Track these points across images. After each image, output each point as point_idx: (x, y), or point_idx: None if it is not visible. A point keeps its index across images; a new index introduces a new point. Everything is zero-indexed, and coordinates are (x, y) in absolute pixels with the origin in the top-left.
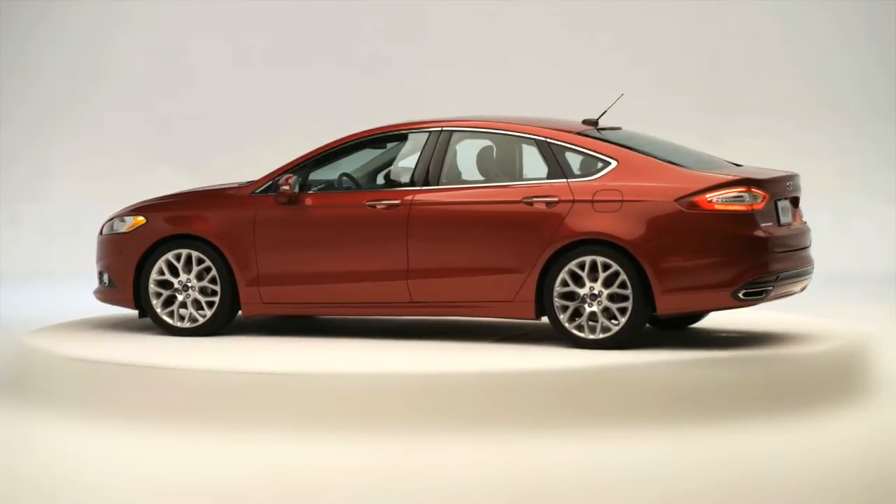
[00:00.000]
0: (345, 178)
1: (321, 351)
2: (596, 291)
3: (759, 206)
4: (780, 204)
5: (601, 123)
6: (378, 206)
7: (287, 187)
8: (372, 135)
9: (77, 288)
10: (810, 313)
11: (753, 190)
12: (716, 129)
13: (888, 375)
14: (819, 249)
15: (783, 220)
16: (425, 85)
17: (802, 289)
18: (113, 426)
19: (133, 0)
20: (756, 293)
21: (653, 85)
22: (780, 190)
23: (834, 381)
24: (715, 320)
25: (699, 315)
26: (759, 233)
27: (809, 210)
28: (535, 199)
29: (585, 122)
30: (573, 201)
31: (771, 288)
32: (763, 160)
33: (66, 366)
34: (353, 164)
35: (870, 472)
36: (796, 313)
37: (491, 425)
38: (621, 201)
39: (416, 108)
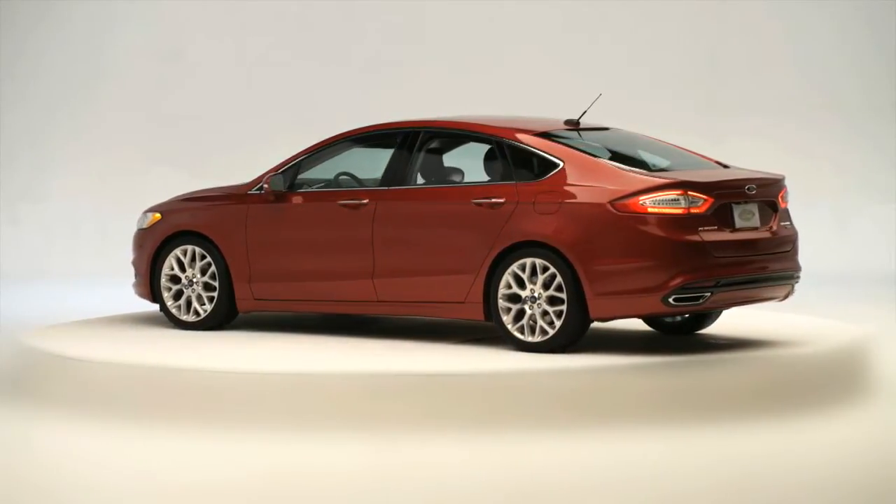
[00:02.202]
0: (343, 176)
1: (321, 351)
2: (536, 294)
3: (700, 209)
4: (739, 207)
5: (584, 123)
6: (348, 206)
7: (267, 185)
8: (353, 135)
9: (77, 288)
10: (809, 313)
11: (691, 193)
12: (716, 129)
13: (888, 375)
14: (818, 249)
15: (741, 224)
16: (425, 85)
17: (787, 295)
18: (113, 426)
19: (133, 0)
20: (690, 299)
21: (653, 85)
22: (734, 193)
23: (834, 381)
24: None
25: (704, 321)
26: (694, 237)
27: (810, 210)
28: (483, 201)
29: (567, 122)
30: (517, 203)
31: (709, 294)
32: (763, 160)
33: (66, 366)
34: (344, 162)
35: (870, 472)
36: (795, 314)
37: (489, 425)
38: (560, 203)
39: (416, 109)
